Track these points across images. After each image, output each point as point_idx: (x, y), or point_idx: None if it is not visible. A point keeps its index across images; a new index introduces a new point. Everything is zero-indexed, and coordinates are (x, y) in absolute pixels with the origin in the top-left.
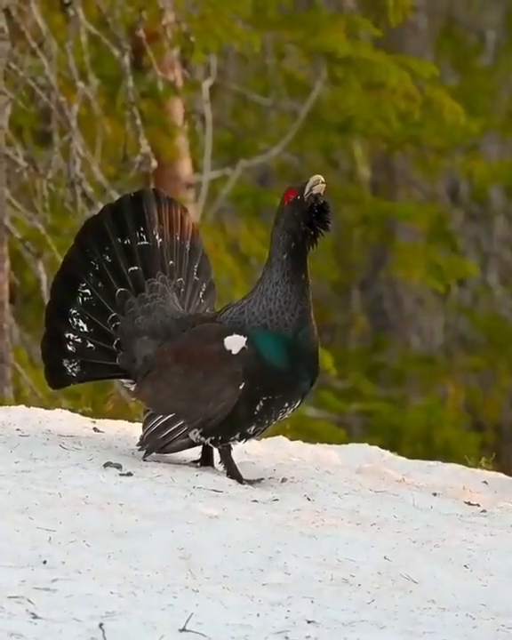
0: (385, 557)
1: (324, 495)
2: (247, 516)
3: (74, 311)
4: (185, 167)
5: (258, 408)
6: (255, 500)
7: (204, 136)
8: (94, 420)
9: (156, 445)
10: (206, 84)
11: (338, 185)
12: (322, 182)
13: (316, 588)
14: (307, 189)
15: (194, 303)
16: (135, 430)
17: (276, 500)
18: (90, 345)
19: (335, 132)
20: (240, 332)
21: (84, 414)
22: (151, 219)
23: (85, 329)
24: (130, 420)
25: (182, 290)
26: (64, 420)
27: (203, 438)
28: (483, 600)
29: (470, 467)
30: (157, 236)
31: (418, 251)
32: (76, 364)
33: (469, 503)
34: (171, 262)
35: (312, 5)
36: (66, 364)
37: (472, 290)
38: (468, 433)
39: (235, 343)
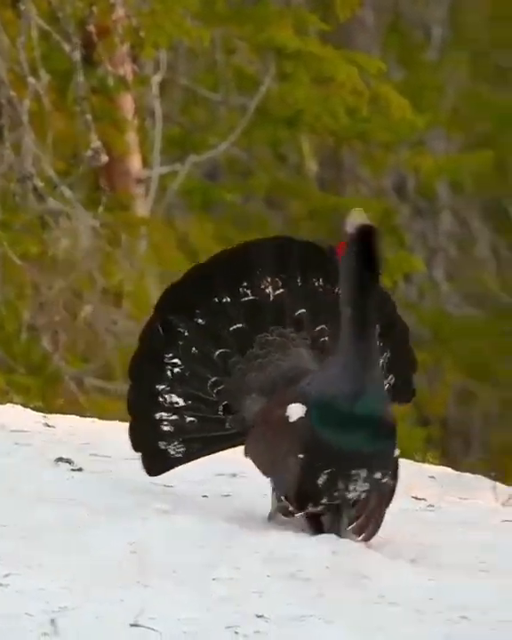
0: (333, 552)
1: None
2: (198, 511)
3: (162, 387)
4: (135, 162)
5: (320, 483)
6: (206, 496)
7: (154, 131)
8: (45, 415)
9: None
10: (156, 79)
11: (286, 180)
12: (360, 211)
13: (265, 582)
14: (350, 228)
15: None
16: (86, 425)
17: (228, 495)
18: (190, 419)
19: (283, 126)
20: (303, 400)
21: (35, 409)
22: (262, 272)
23: (181, 403)
24: (81, 416)
25: (324, 339)
26: (15, 415)
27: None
28: (431, 595)
29: (417, 462)
30: (271, 289)
31: None
32: (178, 444)
33: (417, 498)
34: (300, 311)
35: (260, 0)
36: (164, 447)
37: (418, 285)
38: (414, 428)
39: (294, 412)
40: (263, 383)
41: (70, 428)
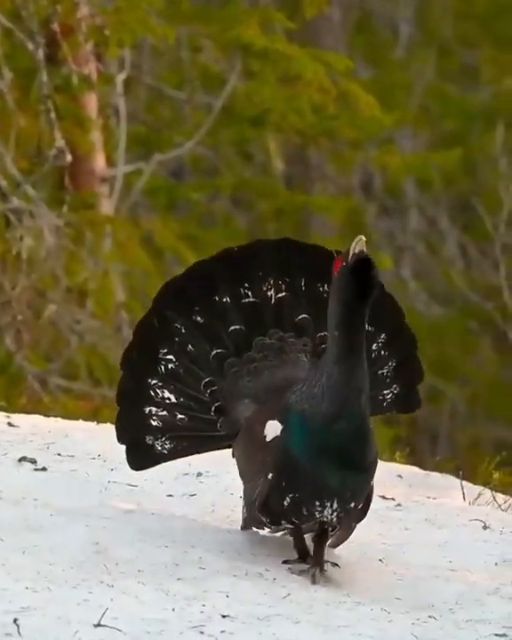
0: None
1: (239, 490)
2: (163, 510)
3: (154, 382)
4: (99, 161)
5: (285, 504)
6: (170, 495)
7: (119, 130)
8: (8, 414)
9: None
10: (120, 78)
11: (252, 179)
12: (363, 240)
13: (230, 582)
14: (350, 253)
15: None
16: (49, 425)
17: (193, 495)
18: (180, 416)
19: (249, 125)
20: (281, 418)
21: None
22: (265, 274)
23: (173, 399)
24: (44, 415)
25: (325, 346)
26: None
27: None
28: (398, 594)
29: (385, 461)
30: (273, 292)
31: (332, 243)
32: (165, 440)
33: (384, 497)
34: (302, 316)
35: None
36: (151, 441)
37: (386, 283)
38: (381, 427)
39: (271, 430)
40: (257, 391)
41: (34, 427)
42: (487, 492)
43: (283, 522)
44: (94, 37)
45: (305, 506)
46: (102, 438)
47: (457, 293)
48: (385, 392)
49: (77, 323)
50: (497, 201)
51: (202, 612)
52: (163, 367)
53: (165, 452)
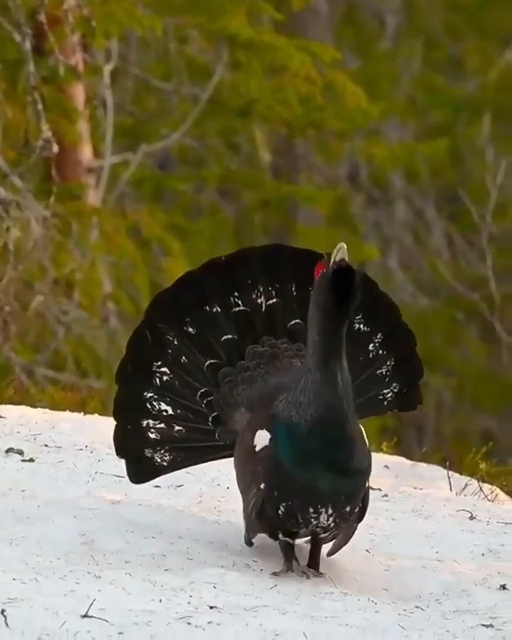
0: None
1: (226, 480)
2: (150, 501)
3: (150, 394)
4: (86, 152)
5: (280, 513)
6: (157, 486)
7: (106, 121)
8: None
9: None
10: (107, 69)
11: (238, 169)
12: (344, 248)
13: (218, 573)
14: (332, 259)
15: (363, 358)
16: (36, 416)
17: (180, 486)
18: (178, 428)
19: (236, 116)
20: (270, 428)
21: None
22: (254, 281)
23: (170, 411)
24: (31, 406)
25: None
26: None
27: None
28: (384, 585)
29: (372, 451)
30: (264, 299)
31: (319, 234)
32: (164, 452)
33: (371, 488)
34: (295, 322)
35: None
36: (150, 454)
37: (372, 274)
38: (368, 418)
39: (260, 440)
40: (251, 399)
41: (21, 418)
42: (474, 483)
43: (281, 531)
44: (81, 28)
45: (299, 513)
46: (89, 429)
47: (443, 284)
48: (385, 391)
49: (64, 314)
50: (483, 191)
51: (189, 602)
52: (158, 380)
53: (165, 463)
